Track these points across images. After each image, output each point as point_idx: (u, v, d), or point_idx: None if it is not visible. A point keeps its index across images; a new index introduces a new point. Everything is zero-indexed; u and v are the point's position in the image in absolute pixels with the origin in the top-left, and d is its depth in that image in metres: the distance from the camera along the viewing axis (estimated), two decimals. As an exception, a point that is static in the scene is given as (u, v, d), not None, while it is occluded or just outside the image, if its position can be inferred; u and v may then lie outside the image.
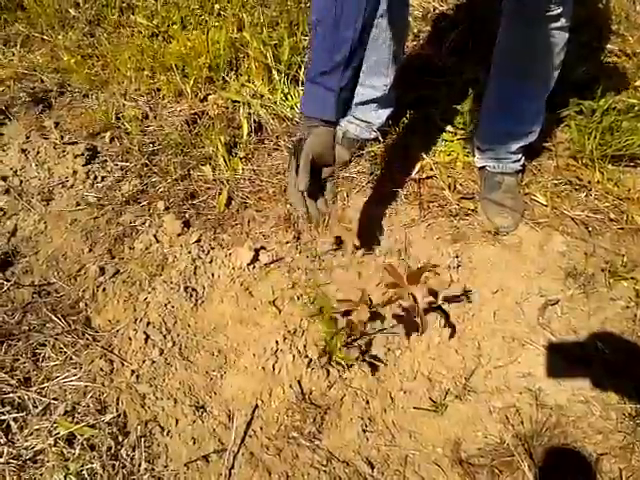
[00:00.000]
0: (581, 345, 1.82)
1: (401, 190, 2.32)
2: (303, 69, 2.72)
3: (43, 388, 1.70)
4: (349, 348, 1.80)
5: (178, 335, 1.87)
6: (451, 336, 1.84)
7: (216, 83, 2.86)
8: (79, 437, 1.56)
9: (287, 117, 2.65)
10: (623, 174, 2.29)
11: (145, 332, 1.86)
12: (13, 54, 3.16)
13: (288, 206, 2.27)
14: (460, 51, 2.91)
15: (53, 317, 1.87)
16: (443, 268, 2.03)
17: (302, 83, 2.71)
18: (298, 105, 2.63)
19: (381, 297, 1.87)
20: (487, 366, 1.80)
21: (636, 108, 2.40)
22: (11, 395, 1.66)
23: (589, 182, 2.25)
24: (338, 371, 1.78)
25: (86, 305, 1.95)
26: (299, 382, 1.75)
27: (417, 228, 2.18)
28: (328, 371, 1.77)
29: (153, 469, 1.54)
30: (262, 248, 2.12)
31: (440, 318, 1.89)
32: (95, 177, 2.43)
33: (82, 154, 2.47)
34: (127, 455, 1.56)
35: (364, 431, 1.65)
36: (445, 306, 1.92)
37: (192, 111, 2.72)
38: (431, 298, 1.85)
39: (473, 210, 2.22)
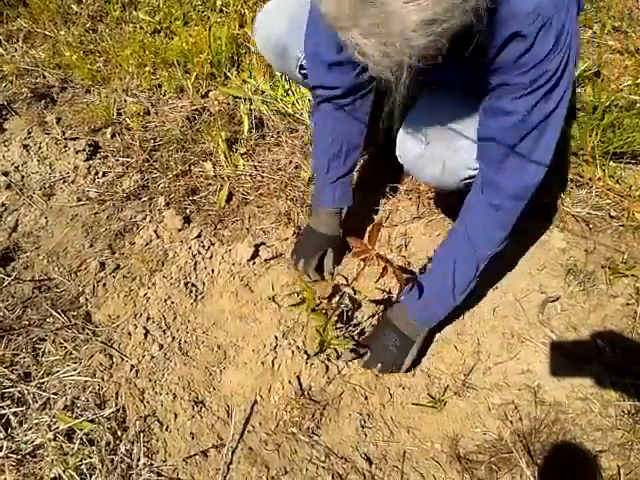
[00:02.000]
0: (581, 342, 1.82)
1: (401, 186, 2.32)
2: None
3: (43, 383, 1.70)
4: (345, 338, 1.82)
5: (178, 330, 1.88)
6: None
7: (217, 79, 2.86)
8: (78, 432, 1.57)
9: (288, 113, 2.65)
10: (624, 171, 2.29)
11: (145, 327, 1.86)
12: (15, 50, 3.17)
13: (289, 202, 2.28)
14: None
15: (53, 312, 1.87)
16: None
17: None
18: (299, 101, 2.63)
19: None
20: (486, 362, 1.80)
21: (638, 105, 2.39)
22: (11, 389, 1.66)
23: (590, 179, 2.25)
24: (337, 367, 1.78)
25: (86, 300, 1.95)
26: (298, 378, 1.75)
27: (417, 224, 2.18)
28: (327, 367, 1.77)
29: (152, 464, 1.55)
30: (262, 244, 2.12)
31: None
32: (96, 172, 2.44)
33: (83, 149, 2.48)
34: (126, 450, 1.56)
35: (362, 427, 1.66)
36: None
37: (193, 107, 2.73)
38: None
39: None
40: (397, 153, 1.83)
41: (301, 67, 1.92)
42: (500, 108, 1.41)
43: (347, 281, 1.70)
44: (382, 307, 1.94)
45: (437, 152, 1.69)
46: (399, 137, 1.81)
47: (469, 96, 1.55)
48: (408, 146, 1.77)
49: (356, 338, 1.86)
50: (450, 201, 2.22)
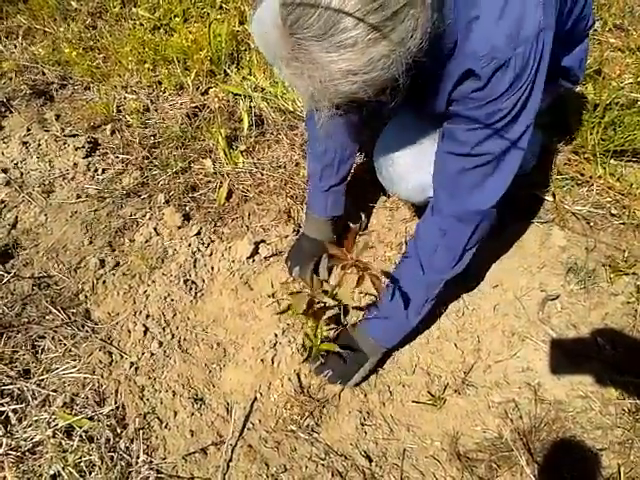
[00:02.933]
0: (581, 340, 1.82)
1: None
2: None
3: (42, 380, 1.70)
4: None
5: (177, 328, 1.87)
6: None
7: (217, 76, 2.85)
8: (78, 429, 1.57)
9: (288, 110, 2.64)
10: (625, 169, 2.28)
11: (144, 325, 1.86)
12: (15, 46, 3.15)
13: (288, 200, 2.27)
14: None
15: (53, 309, 1.87)
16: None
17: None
18: (299, 98, 2.62)
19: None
20: (486, 360, 1.80)
21: (639, 103, 2.38)
22: (10, 386, 1.66)
23: (591, 177, 2.24)
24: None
25: (86, 297, 1.95)
26: (298, 375, 1.75)
27: (414, 224, 2.17)
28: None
29: (151, 461, 1.54)
30: (262, 241, 2.12)
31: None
32: (96, 170, 2.43)
33: (83, 146, 2.47)
34: (125, 447, 1.56)
35: (362, 424, 1.66)
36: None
37: (193, 104, 2.72)
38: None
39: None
40: (375, 167, 1.87)
41: None
42: (454, 135, 1.41)
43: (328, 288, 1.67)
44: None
45: (403, 170, 1.73)
46: (374, 154, 1.85)
47: (434, 120, 1.56)
48: (380, 163, 1.81)
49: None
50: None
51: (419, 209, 2.18)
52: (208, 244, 2.11)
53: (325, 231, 2.03)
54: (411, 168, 1.70)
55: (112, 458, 1.52)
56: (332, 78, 1.02)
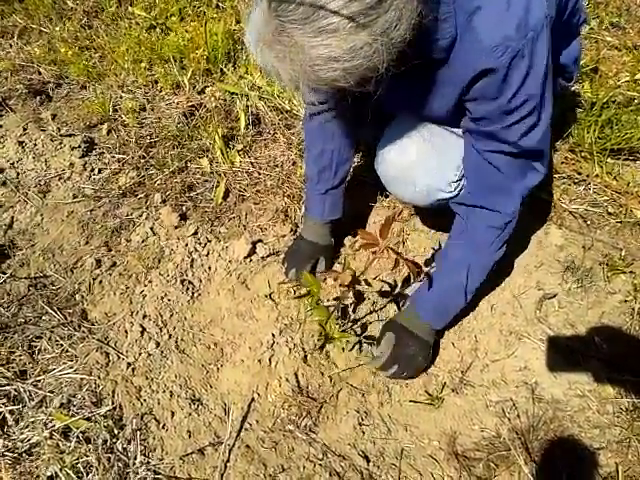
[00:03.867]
0: (578, 339, 1.82)
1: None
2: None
3: (39, 381, 1.69)
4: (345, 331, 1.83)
5: (174, 328, 1.87)
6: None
7: (214, 75, 2.84)
8: (75, 430, 1.56)
9: (285, 109, 2.64)
10: (622, 168, 2.28)
11: (141, 325, 1.85)
12: (10, 46, 3.15)
13: (285, 199, 2.27)
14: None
15: (49, 310, 1.86)
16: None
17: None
18: (296, 97, 2.62)
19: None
20: (484, 360, 1.80)
21: (636, 101, 2.39)
22: (7, 388, 1.65)
23: (588, 176, 2.24)
24: (334, 364, 1.78)
25: (82, 298, 1.94)
26: (295, 375, 1.75)
27: (415, 221, 2.17)
28: (324, 364, 1.77)
29: (149, 462, 1.54)
30: (259, 241, 2.11)
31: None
32: (92, 169, 2.42)
33: (79, 146, 2.47)
34: (123, 448, 1.56)
35: (360, 424, 1.65)
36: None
37: (190, 103, 2.71)
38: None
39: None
40: (376, 168, 1.85)
41: None
42: (493, 135, 1.43)
43: (355, 274, 1.70)
44: (384, 301, 1.95)
45: (408, 173, 1.71)
46: (377, 155, 1.82)
47: (440, 121, 1.58)
48: (383, 167, 1.79)
49: (358, 332, 1.86)
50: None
51: (419, 209, 2.18)
52: (205, 244, 2.11)
53: (323, 234, 2.01)
54: (417, 171, 1.68)
55: (109, 459, 1.51)
56: (313, 63, 1.03)
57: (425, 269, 1.86)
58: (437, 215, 2.17)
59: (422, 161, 1.67)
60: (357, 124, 1.85)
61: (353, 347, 1.81)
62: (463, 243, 1.67)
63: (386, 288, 1.99)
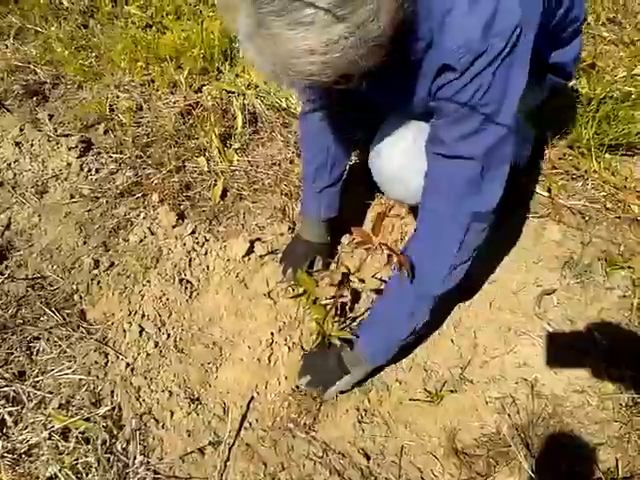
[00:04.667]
0: (578, 335, 1.82)
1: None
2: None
3: (38, 381, 1.69)
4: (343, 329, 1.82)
5: (173, 328, 1.87)
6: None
7: (210, 74, 2.84)
8: (74, 430, 1.56)
9: (282, 107, 2.63)
10: (620, 163, 2.28)
11: (140, 325, 1.85)
12: (6, 46, 3.14)
13: (283, 197, 2.27)
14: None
15: (47, 310, 1.86)
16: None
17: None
18: (293, 95, 2.61)
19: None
20: (483, 356, 1.80)
21: (633, 96, 2.38)
22: (6, 389, 1.65)
23: (586, 171, 2.24)
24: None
25: (80, 298, 1.94)
26: (294, 374, 1.75)
27: (411, 219, 2.17)
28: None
29: (148, 462, 1.54)
30: (257, 240, 2.11)
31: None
32: (89, 169, 2.42)
33: (76, 146, 2.46)
34: (122, 448, 1.56)
35: (360, 422, 1.65)
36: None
37: (186, 102, 2.70)
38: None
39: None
40: (370, 167, 1.83)
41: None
42: (439, 135, 1.39)
43: (349, 271, 1.70)
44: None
45: (400, 173, 1.69)
46: (370, 155, 1.81)
47: (425, 118, 1.53)
48: (376, 165, 1.78)
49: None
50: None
51: (414, 207, 2.18)
52: (203, 243, 2.11)
53: (319, 233, 2.00)
54: (410, 170, 1.63)
55: (109, 459, 1.51)
56: (291, 56, 1.01)
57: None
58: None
59: (413, 161, 1.60)
60: (354, 122, 1.84)
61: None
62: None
63: (382, 286, 1.98)
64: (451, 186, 1.42)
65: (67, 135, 2.55)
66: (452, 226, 1.45)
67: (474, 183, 1.39)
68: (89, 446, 1.53)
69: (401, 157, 1.68)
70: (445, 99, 1.31)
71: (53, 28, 3.20)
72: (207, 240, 2.12)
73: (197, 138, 2.53)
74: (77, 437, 1.55)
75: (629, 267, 1.93)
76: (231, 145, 2.49)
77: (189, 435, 1.61)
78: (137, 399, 1.68)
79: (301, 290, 1.78)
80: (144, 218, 2.21)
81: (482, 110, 1.28)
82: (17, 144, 2.47)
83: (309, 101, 1.78)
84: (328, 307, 1.71)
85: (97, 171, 2.42)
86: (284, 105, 2.63)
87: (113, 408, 1.65)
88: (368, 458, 1.58)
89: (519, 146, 1.64)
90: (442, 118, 1.36)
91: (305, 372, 1.72)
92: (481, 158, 1.35)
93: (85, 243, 2.12)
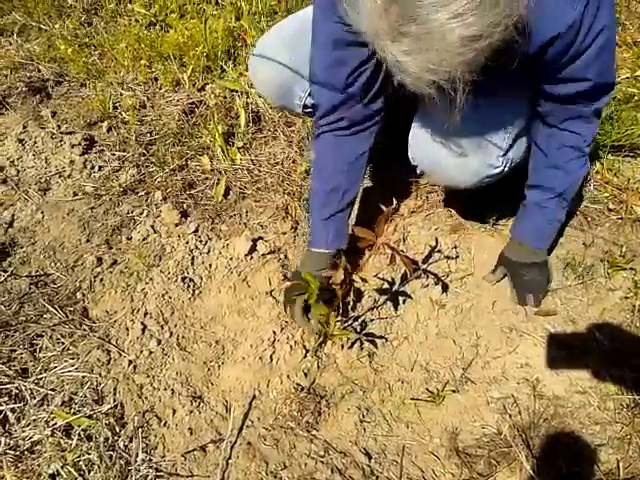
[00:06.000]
0: (579, 335, 1.82)
1: (399, 181, 2.30)
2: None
3: (40, 379, 1.69)
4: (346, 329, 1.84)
5: (175, 326, 1.87)
6: (444, 290, 1.95)
7: (214, 72, 2.85)
8: (76, 428, 1.56)
9: (285, 107, 2.63)
10: (622, 164, 2.28)
11: (142, 323, 1.85)
12: (10, 44, 3.15)
13: (286, 196, 2.27)
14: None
15: (50, 308, 1.87)
16: (442, 258, 2.03)
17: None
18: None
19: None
20: (485, 356, 1.80)
21: (636, 98, 2.39)
22: (8, 386, 1.65)
23: (588, 172, 2.24)
24: (336, 361, 1.78)
25: (83, 296, 1.94)
26: (296, 372, 1.75)
27: (415, 218, 2.17)
28: (326, 361, 1.77)
29: (150, 459, 1.54)
30: (260, 238, 2.11)
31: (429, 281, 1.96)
32: (92, 167, 2.42)
33: (79, 144, 2.47)
34: (124, 445, 1.56)
35: (361, 421, 1.65)
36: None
37: (190, 100, 2.71)
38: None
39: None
40: (411, 155, 1.80)
41: (304, 106, 1.90)
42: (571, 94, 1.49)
43: (352, 271, 1.70)
44: (382, 299, 1.94)
45: (463, 161, 1.66)
46: (416, 141, 1.77)
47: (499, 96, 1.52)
48: (427, 151, 1.72)
49: (357, 330, 1.86)
50: (448, 195, 2.22)
51: (419, 206, 2.18)
52: (206, 241, 2.11)
53: (325, 267, 1.83)
54: (471, 154, 1.65)
55: (111, 457, 1.51)
56: (450, 47, 0.99)
57: (422, 266, 1.94)
58: (437, 211, 2.18)
59: (473, 146, 1.64)
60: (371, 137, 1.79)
61: (353, 344, 1.81)
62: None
63: (386, 286, 1.98)
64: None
65: (70, 133, 2.56)
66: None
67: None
68: (91, 443, 1.53)
69: (457, 142, 1.66)
70: (555, 60, 1.38)
71: (57, 26, 3.21)
72: (210, 238, 2.12)
73: (200, 136, 2.54)
74: (79, 434, 1.55)
75: (631, 268, 1.94)
76: (234, 144, 2.50)
77: (191, 433, 1.61)
78: (139, 397, 1.68)
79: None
80: (147, 216, 2.21)
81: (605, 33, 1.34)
82: (20, 141, 2.48)
83: (327, 117, 1.72)
84: (332, 305, 1.71)
85: (100, 169, 2.43)
86: (287, 104, 2.63)
87: (115, 406, 1.65)
88: (369, 457, 1.58)
89: (511, 153, 1.69)
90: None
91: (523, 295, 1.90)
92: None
93: (88, 241, 2.12)
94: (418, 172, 1.86)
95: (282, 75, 1.81)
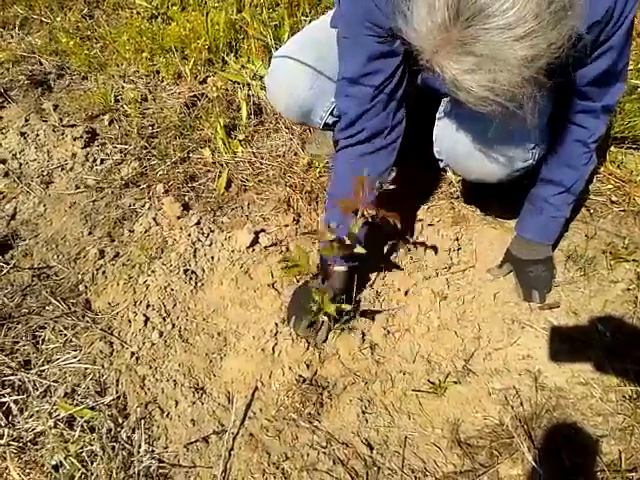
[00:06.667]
0: (581, 327, 1.82)
1: (400, 173, 2.29)
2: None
3: (43, 370, 1.70)
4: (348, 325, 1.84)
5: (178, 317, 1.87)
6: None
7: (215, 65, 2.84)
8: (79, 419, 1.57)
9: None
10: (625, 156, 2.28)
11: (145, 314, 1.86)
12: (12, 37, 3.15)
13: (288, 189, 2.27)
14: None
15: (53, 300, 1.87)
16: (444, 250, 2.03)
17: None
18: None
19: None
20: (487, 348, 1.80)
21: (639, 90, 2.37)
22: (11, 377, 1.66)
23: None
24: (338, 353, 1.78)
25: (86, 288, 1.95)
26: (298, 364, 1.75)
27: (417, 211, 2.17)
28: (328, 353, 1.78)
29: (153, 450, 1.55)
30: (262, 231, 2.11)
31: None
32: (94, 160, 2.42)
33: (81, 137, 2.46)
34: (127, 437, 1.56)
35: (363, 412, 1.66)
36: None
37: (191, 93, 2.71)
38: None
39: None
40: (437, 149, 1.79)
41: (325, 124, 1.90)
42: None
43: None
44: (376, 276, 1.97)
45: (492, 154, 1.65)
46: (442, 136, 1.76)
47: None
48: (454, 145, 1.71)
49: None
50: (451, 188, 2.22)
51: (418, 197, 2.18)
52: (208, 234, 2.11)
53: (341, 282, 1.82)
54: (502, 152, 1.64)
55: (114, 448, 1.52)
56: (513, 68, 1.01)
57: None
58: (439, 203, 2.18)
59: (505, 145, 1.63)
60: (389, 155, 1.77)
61: (351, 331, 1.81)
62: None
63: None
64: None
65: (72, 125, 2.56)
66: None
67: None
68: (94, 435, 1.54)
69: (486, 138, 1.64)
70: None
71: (58, 18, 3.19)
72: (212, 231, 2.12)
73: (202, 129, 2.54)
74: (82, 426, 1.56)
75: (633, 260, 1.94)
76: (236, 136, 2.49)
77: (194, 424, 1.62)
78: (142, 388, 1.69)
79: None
80: (149, 209, 2.21)
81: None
82: (22, 134, 2.48)
83: (347, 137, 1.71)
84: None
85: (102, 162, 2.43)
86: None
87: (118, 397, 1.66)
88: (371, 448, 1.58)
89: (539, 147, 1.67)
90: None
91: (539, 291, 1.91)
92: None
93: (90, 233, 2.12)
94: (442, 166, 1.85)
95: (303, 98, 1.81)
